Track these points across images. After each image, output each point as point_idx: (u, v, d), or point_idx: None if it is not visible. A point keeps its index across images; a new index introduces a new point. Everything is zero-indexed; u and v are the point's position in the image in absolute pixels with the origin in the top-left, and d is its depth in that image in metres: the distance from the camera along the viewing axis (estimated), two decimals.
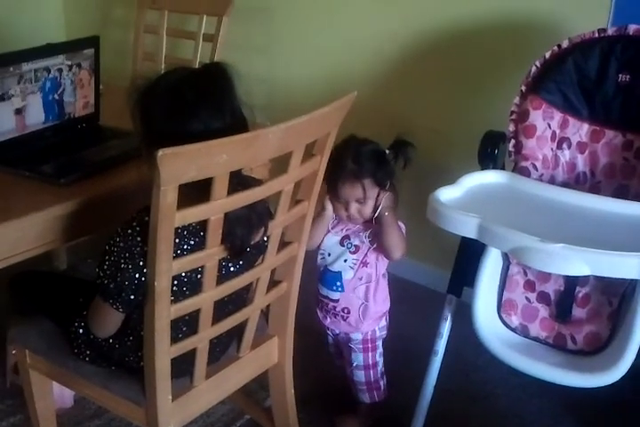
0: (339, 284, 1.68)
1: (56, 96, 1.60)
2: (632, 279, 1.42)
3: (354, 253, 1.67)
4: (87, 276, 1.87)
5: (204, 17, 2.39)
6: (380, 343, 1.77)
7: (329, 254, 1.69)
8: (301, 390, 1.67)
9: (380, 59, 2.35)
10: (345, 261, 1.67)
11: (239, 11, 2.38)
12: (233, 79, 1.19)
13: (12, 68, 1.47)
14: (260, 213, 1.27)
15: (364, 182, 1.57)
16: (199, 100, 1.16)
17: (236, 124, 1.18)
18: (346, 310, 1.70)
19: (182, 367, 1.31)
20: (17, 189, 1.45)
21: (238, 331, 1.43)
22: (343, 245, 1.68)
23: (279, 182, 1.24)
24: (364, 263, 1.67)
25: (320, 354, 1.90)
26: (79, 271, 2.50)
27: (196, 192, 1.10)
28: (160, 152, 0.98)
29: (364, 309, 1.70)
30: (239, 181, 1.18)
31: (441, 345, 1.67)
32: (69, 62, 1.61)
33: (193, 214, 1.12)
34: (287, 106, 2.51)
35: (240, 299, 1.38)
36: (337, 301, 1.70)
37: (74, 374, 1.42)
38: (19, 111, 1.53)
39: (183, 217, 1.10)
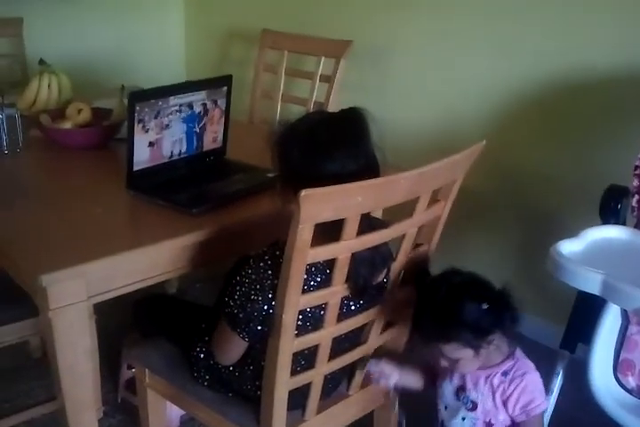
0: None
1: (196, 129, 1.71)
2: None
3: (472, 409, 1.32)
4: (195, 299, 1.96)
5: (322, 58, 2.48)
6: None
7: (445, 407, 1.39)
8: None
9: (493, 105, 2.36)
10: (463, 419, 1.35)
11: (356, 52, 2.46)
12: (368, 124, 1.24)
13: (160, 102, 1.58)
14: (384, 255, 1.31)
15: (440, 347, 1.27)
16: (336, 143, 1.21)
17: (369, 167, 1.23)
18: None
19: (295, 400, 1.35)
20: (150, 216, 1.54)
21: (350, 369, 1.46)
22: (459, 399, 1.35)
23: (404, 226, 1.27)
24: (489, 425, 1.32)
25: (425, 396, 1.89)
26: (188, 295, 2.61)
27: (324, 231, 1.14)
28: (303, 192, 1.03)
29: None
30: (367, 223, 1.21)
31: (551, 401, 1.64)
32: (208, 98, 1.71)
33: (324, 252, 1.16)
34: (396, 148, 2.55)
35: (356, 337, 1.41)
36: None
37: (191, 397, 1.48)
38: (152, 144, 1.63)
39: (315, 254, 1.14)
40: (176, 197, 1.56)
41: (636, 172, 1.60)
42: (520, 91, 2.28)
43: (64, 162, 1.86)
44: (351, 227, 1.15)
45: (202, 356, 1.46)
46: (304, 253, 1.12)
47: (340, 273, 1.21)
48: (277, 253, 1.23)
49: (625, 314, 1.53)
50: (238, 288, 1.26)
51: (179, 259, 1.47)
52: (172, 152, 1.68)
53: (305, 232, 1.09)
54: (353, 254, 1.20)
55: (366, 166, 1.21)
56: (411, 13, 2.52)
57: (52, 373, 1.43)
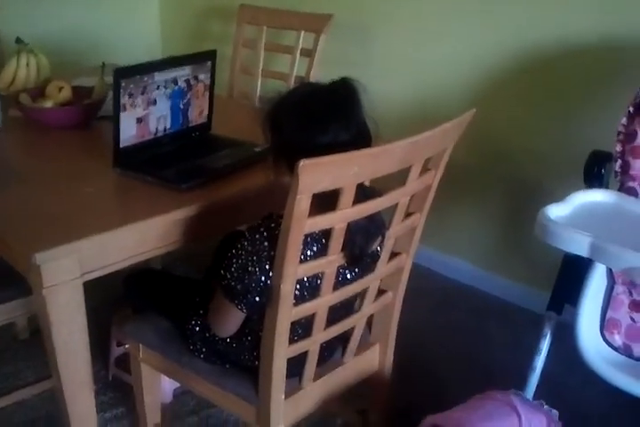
0: None
1: (181, 105, 1.70)
2: None
3: None
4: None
5: (302, 33, 2.46)
6: None
7: None
8: (398, 400, 1.71)
9: (475, 77, 2.38)
10: None
11: (337, 26, 2.44)
12: (359, 94, 1.25)
13: (145, 78, 1.56)
14: (378, 223, 1.33)
15: None
16: (329, 114, 1.21)
17: (361, 137, 1.23)
18: None
19: (292, 369, 1.36)
20: (139, 193, 1.53)
21: (344, 337, 1.48)
22: None
23: (397, 194, 1.28)
24: None
25: (417, 365, 1.92)
26: (173, 271, 2.60)
27: (320, 201, 1.14)
28: (302, 162, 1.04)
29: None
30: (361, 192, 1.22)
31: (539, 362, 1.68)
32: (192, 74, 1.70)
33: (321, 222, 1.17)
34: (379, 121, 2.56)
35: (350, 305, 1.43)
36: None
37: (187, 370, 1.49)
38: (139, 120, 1.61)
39: (313, 224, 1.15)
40: (164, 174, 1.56)
41: (619, 137, 1.63)
42: (502, 62, 2.29)
43: (47, 142, 1.83)
44: (348, 196, 1.16)
45: (197, 329, 1.47)
46: (302, 222, 1.13)
47: (337, 242, 1.22)
48: (272, 225, 1.24)
49: (611, 274, 1.57)
50: (235, 261, 1.27)
51: (170, 234, 1.47)
52: (157, 128, 1.67)
53: (303, 202, 1.10)
54: (348, 224, 1.21)
55: (359, 136, 1.22)
56: None
57: (45, 352, 1.43)
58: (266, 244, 1.23)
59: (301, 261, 1.21)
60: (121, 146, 1.59)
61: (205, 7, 3.18)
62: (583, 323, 1.56)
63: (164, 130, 1.69)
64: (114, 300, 1.88)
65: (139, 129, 1.61)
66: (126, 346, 1.66)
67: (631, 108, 1.62)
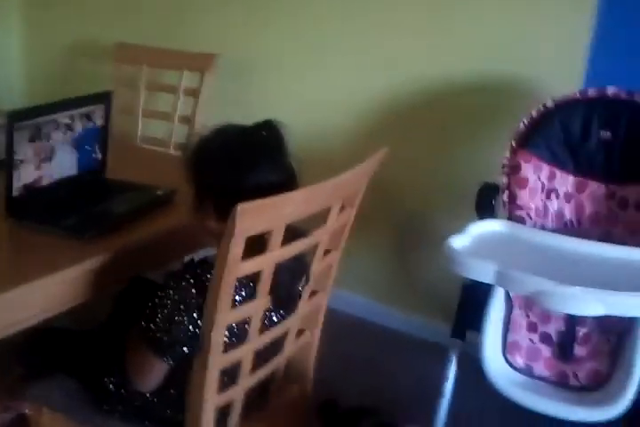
0: None
1: (77, 149, 1.61)
2: (629, 318, 1.55)
3: None
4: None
5: (185, 72, 2.44)
6: None
7: None
8: None
9: (364, 115, 2.42)
10: None
11: (221, 64, 2.43)
12: (284, 135, 1.26)
13: (39, 121, 1.48)
14: (302, 263, 1.33)
15: None
16: (257, 156, 1.22)
17: (289, 177, 1.25)
18: None
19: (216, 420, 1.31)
20: (38, 246, 1.42)
21: (264, 381, 1.45)
22: None
23: (320, 233, 1.30)
24: None
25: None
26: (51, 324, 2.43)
27: (249, 244, 1.13)
28: (239, 206, 1.03)
29: None
30: (288, 233, 1.22)
31: (448, 388, 1.74)
32: (88, 116, 1.63)
33: (253, 265, 1.16)
34: None
35: (273, 348, 1.41)
36: None
37: None
38: (33, 166, 1.52)
39: (244, 268, 1.14)
40: (63, 223, 1.47)
41: (504, 170, 1.75)
42: (388, 100, 2.36)
43: None
44: (278, 237, 1.16)
45: (111, 386, 1.39)
46: (235, 267, 1.11)
47: (266, 285, 1.21)
48: (199, 271, 1.21)
49: (509, 299, 1.67)
50: (160, 311, 1.22)
51: (75, 288, 1.37)
52: (52, 174, 1.57)
53: (237, 246, 1.09)
54: (276, 265, 1.21)
55: (286, 177, 1.23)
56: (274, 25, 2.53)
57: None
58: (193, 291, 1.20)
59: (231, 307, 1.19)
60: (14, 194, 1.48)
61: (72, 46, 3.04)
62: (487, 347, 1.65)
63: (60, 176, 1.60)
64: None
65: (32, 175, 1.52)
66: (27, 411, 1.52)
67: (514, 143, 1.75)
